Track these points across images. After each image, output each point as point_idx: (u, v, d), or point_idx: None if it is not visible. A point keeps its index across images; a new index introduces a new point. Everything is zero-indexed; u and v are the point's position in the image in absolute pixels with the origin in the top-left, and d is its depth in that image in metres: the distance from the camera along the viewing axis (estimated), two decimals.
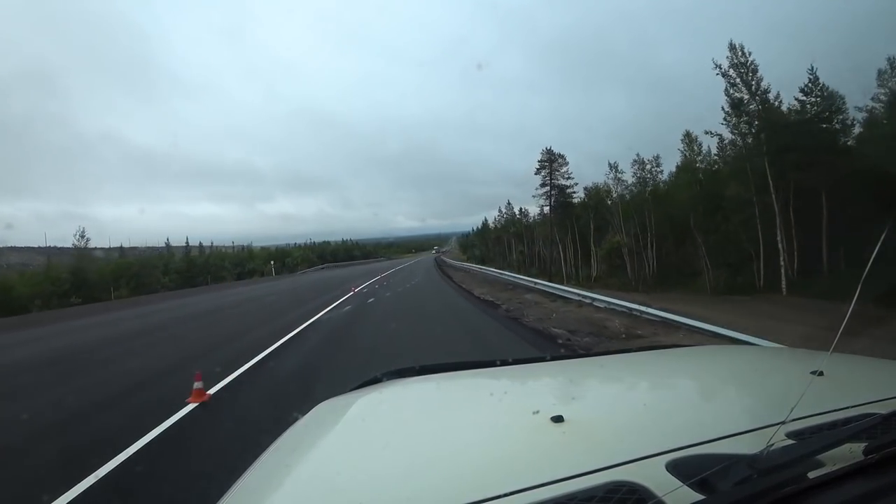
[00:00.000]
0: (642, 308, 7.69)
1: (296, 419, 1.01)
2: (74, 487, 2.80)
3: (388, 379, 1.19)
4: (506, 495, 0.56)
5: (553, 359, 1.50)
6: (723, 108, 24.95)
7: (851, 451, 0.63)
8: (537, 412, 0.79)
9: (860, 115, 21.97)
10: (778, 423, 0.65)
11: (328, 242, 76.38)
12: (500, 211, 58.12)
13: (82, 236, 31.76)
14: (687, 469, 0.59)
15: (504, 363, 1.29)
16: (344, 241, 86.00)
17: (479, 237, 70.24)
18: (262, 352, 6.50)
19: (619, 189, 35.49)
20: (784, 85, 25.69)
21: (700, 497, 0.55)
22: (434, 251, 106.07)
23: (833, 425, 0.72)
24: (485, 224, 67.84)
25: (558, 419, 0.75)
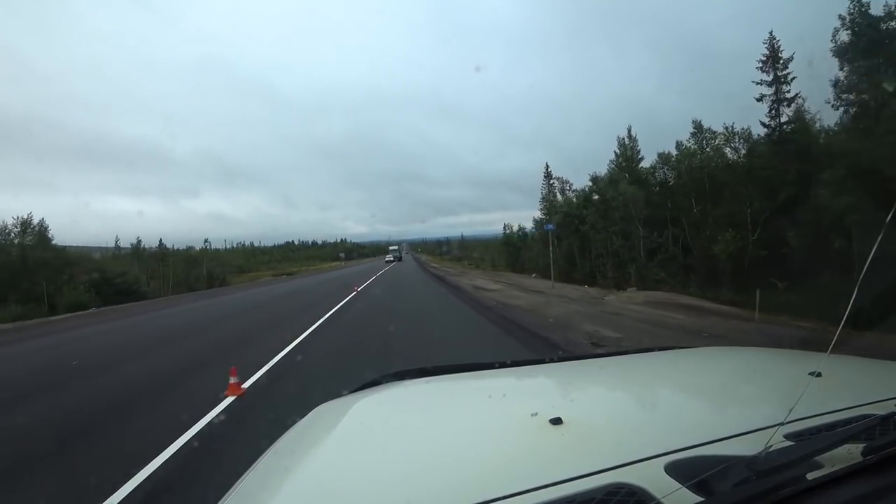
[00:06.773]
0: None
1: (294, 422, 1.01)
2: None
3: (386, 381, 1.18)
4: (504, 498, 0.56)
5: (552, 361, 1.50)
6: None
7: (850, 453, 0.63)
8: (536, 414, 0.79)
9: None
10: (777, 425, 0.65)
11: None
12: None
13: None
14: (686, 471, 0.59)
15: (503, 365, 1.29)
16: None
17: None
18: None
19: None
20: None
21: (699, 499, 0.55)
22: (390, 255, 69.92)
23: (831, 426, 0.72)
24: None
25: (557, 421, 0.75)
